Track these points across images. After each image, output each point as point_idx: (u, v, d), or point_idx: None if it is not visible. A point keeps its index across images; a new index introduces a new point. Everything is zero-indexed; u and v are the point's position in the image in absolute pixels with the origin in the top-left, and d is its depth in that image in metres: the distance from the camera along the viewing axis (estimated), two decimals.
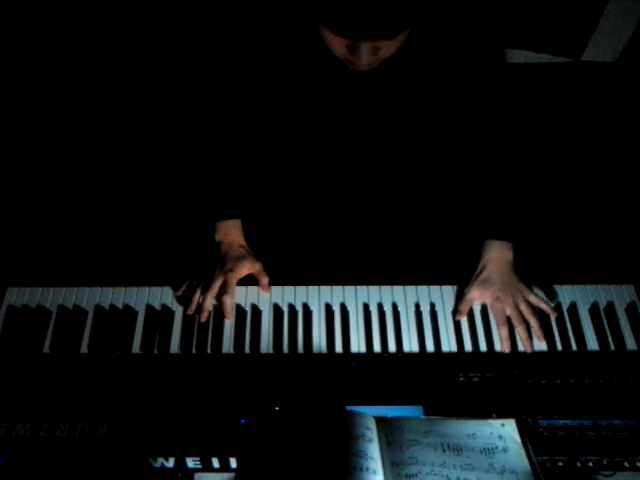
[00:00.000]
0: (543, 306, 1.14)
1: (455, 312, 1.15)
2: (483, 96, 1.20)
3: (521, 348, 1.10)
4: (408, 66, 1.11)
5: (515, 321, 1.12)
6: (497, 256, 1.19)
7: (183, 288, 1.18)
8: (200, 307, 1.14)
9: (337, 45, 0.94)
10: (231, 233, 1.25)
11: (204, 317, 1.13)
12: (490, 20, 1.15)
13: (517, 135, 1.24)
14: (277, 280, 1.20)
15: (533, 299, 1.14)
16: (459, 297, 1.17)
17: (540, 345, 1.11)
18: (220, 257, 1.22)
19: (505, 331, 1.11)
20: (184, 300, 1.16)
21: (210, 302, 1.15)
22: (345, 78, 1.10)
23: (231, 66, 1.18)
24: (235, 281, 1.18)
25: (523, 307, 1.13)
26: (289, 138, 1.31)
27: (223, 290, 1.16)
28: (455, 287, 1.19)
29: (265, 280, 1.19)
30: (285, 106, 1.23)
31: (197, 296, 1.15)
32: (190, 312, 1.14)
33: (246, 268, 1.20)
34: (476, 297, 1.16)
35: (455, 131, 1.27)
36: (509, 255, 1.19)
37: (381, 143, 1.30)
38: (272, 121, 1.28)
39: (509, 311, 1.13)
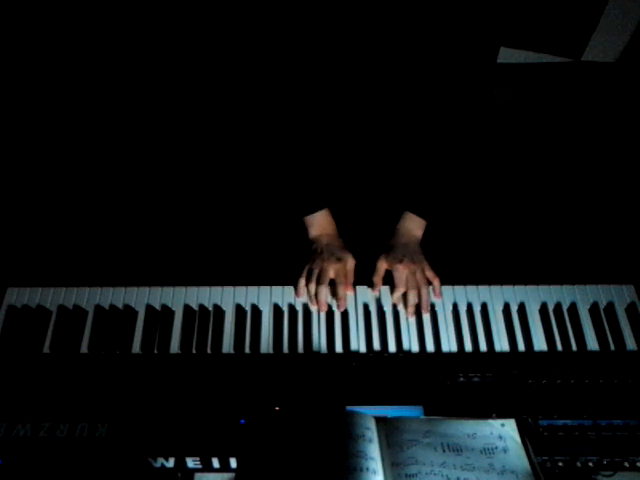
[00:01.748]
0: (435, 282, 1.18)
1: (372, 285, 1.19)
2: (467, 83, 1.23)
3: (521, 348, 1.10)
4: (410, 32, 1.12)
5: (409, 285, 1.16)
6: (408, 227, 1.27)
7: (301, 288, 1.17)
8: (319, 301, 1.15)
9: None
10: (327, 225, 1.27)
11: (324, 308, 1.14)
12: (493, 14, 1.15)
13: (475, 129, 1.29)
14: (277, 280, 1.20)
15: (429, 273, 1.19)
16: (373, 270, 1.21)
17: (540, 345, 1.11)
18: (322, 248, 1.23)
19: (399, 292, 1.16)
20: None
21: (327, 293, 1.15)
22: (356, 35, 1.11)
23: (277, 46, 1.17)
24: (350, 273, 1.20)
25: (419, 276, 1.17)
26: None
27: (339, 279, 1.17)
28: (455, 287, 1.19)
29: (352, 280, 1.20)
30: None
31: (313, 290, 1.16)
32: (315, 306, 1.15)
33: (350, 259, 1.21)
34: (383, 265, 1.20)
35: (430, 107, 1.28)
36: (418, 232, 1.27)
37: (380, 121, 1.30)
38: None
39: (406, 275, 1.17)
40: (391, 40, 1.14)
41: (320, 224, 1.27)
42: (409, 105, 1.25)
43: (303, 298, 1.17)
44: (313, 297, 1.16)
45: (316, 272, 1.18)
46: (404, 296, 1.16)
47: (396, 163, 1.36)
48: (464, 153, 1.30)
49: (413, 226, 1.27)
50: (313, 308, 1.16)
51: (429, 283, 1.18)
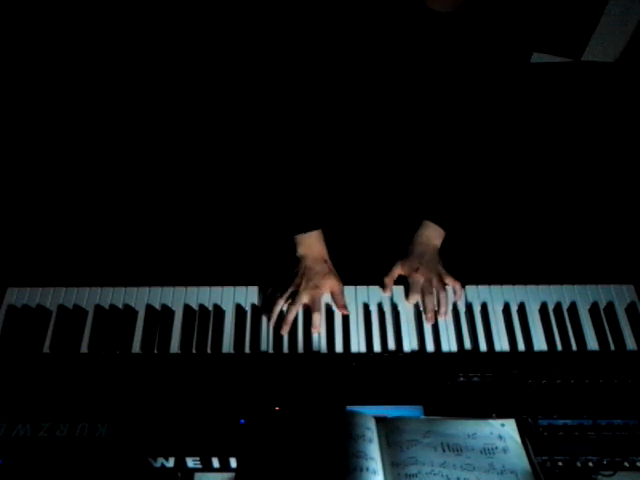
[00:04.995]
0: (457, 286, 1.18)
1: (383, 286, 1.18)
2: (499, 91, 1.23)
3: (521, 348, 1.10)
4: (459, 39, 1.11)
5: (425, 292, 1.16)
6: (426, 236, 1.26)
7: (268, 294, 1.16)
8: (284, 319, 1.12)
9: None
10: (315, 247, 1.24)
11: (286, 330, 1.12)
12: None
13: (499, 144, 1.29)
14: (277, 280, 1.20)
15: (448, 279, 1.18)
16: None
17: (540, 345, 1.11)
18: (303, 270, 1.20)
19: (414, 299, 1.16)
20: (266, 308, 1.15)
21: (293, 316, 1.13)
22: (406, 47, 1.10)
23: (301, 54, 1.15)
24: (322, 299, 1.17)
25: (435, 282, 1.17)
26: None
27: (313, 307, 1.14)
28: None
29: (342, 302, 1.17)
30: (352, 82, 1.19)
31: (278, 308, 1.14)
32: (272, 324, 1.13)
33: (329, 286, 1.18)
34: (398, 270, 1.21)
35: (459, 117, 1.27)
36: (437, 241, 1.26)
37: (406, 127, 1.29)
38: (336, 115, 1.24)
39: (422, 282, 1.17)
40: (412, 49, 1.13)
41: (308, 244, 1.24)
42: (430, 113, 1.24)
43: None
44: (276, 315, 1.13)
45: (289, 292, 1.16)
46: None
47: (413, 171, 1.35)
48: (486, 163, 1.29)
49: (432, 235, 1.26)
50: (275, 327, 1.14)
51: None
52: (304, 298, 1.16)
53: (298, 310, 1.15)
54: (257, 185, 1.32)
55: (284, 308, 1.15)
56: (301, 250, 1.23)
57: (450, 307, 1.16)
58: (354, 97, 1.21)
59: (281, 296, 1.15)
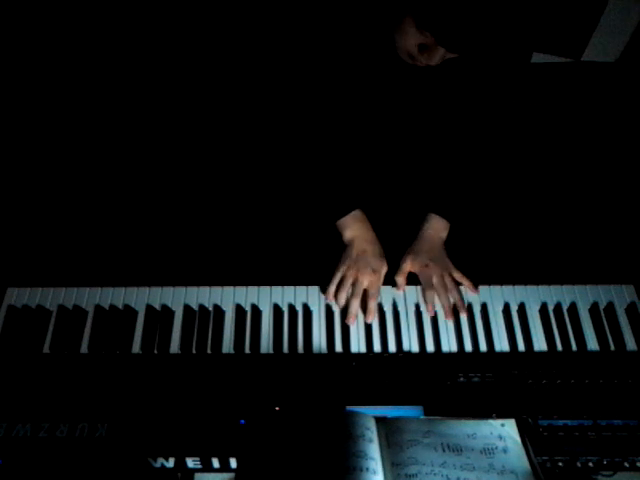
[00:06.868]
0: (465, 282, 1.18)
1: (395, 285, 1.18)
2: (495, 102, 1.24)
3: (521, 348, 1.10)
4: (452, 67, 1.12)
5: (439, 290, 1.16)
6: (433, 229, 1.25)
7: (331, 294, 1.16)
8: (349, 312, 1.13)
9: (410, 43, 0.94)
10: (362, 228, 1.22)
11: (353, 320, 1.13)
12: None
13: (500, 136, 1.30)
14: (277, 280, 1.20)
15: (457, 274, 1.19)
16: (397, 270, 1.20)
17: (540, 345, 1.11)
18: (356, 254, 1.19)
19: (430, 294, 1.15)
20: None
21: (358, 306, 1.14)
22: (394, 73, 1.11)
23: (311, 65, 1.15)
24: (381, 282, 1.17)
25: (447, 279, 1.18)
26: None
27: (370, 292, 1.15)
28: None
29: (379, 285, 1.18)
30: (345, 98, 1.21)
31: (342, 302, 1.15)
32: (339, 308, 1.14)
33: (385, 266, 1.19)
34: (408, 267, 1.20)
35: (462, 124, 1.28)
36: (443, 234, 1.26)
37: (408, 139, 1.29)
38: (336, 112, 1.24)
39: (435, 279, 1.17)
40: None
41: (354, 227, 1.22)
42: (436, 112, 1.24)
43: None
44: (341, 306, 1.15)
45: (349, 282, 1.16)
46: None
47: (420, 165, 1.35)
48: (488, 157, 1.30)
49: (438, 228, 1.25)
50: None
51: (459, 284, 1.19)
52: (364, 284, 1.16)
53: (360, 297, 1.14)
54: (285, 182, 1.30)
55: (342, 299, 1.15)
56: (349, 234, 1.22)
57: (463, 304, 1.15)
58: (356, 106, 1.23)
59: (342, 290, 1.15)
